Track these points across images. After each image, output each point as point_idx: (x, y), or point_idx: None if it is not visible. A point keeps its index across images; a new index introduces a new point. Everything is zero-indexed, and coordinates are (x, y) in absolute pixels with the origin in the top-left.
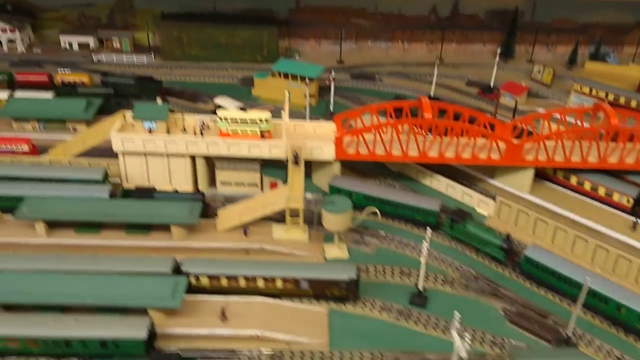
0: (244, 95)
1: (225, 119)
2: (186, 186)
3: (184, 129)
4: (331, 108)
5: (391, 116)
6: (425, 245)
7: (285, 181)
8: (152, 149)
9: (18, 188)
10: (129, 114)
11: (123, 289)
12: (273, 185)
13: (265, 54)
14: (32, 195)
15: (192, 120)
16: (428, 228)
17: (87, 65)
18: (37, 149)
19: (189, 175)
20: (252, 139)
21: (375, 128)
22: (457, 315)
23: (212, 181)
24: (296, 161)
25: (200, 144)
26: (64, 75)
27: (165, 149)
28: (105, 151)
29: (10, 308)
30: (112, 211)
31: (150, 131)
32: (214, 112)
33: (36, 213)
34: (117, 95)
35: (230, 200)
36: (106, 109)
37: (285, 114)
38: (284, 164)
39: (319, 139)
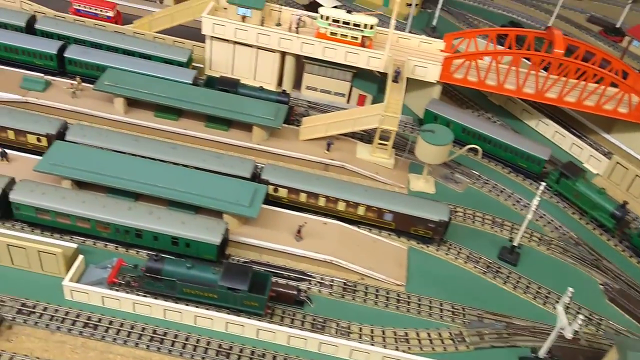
0: None
1: (327, 18)
2: (270, 84)
3: (279, 23)
4: (434, 22)
5: (510, 45)
6: (536, 200)
7: (375, 96)
8: (242, 39)
9: (98, 56)
10: None
11: (202, 187)
12: (361, 98)
13: None
14: (113, 66)
15: (288, 14)
16: (542, 182)
17: None
18: (122, 18)
19: (276, 72)
20: (352, 45)
21: (494, 55)
22: (570, 291)
23: (296, 83)
24: (396, 78)
25: (295, 42)
26: None
27: (256, 41)
28: (190, 32)
29: (80, 184)
30: (195, 99)
31: (243, 19)
32: (306, 7)
33: (117, 88)
34: None
35: (313, 106)
36: None
37: (392, 22)
38: (377, 77)
39: (424, 56)
